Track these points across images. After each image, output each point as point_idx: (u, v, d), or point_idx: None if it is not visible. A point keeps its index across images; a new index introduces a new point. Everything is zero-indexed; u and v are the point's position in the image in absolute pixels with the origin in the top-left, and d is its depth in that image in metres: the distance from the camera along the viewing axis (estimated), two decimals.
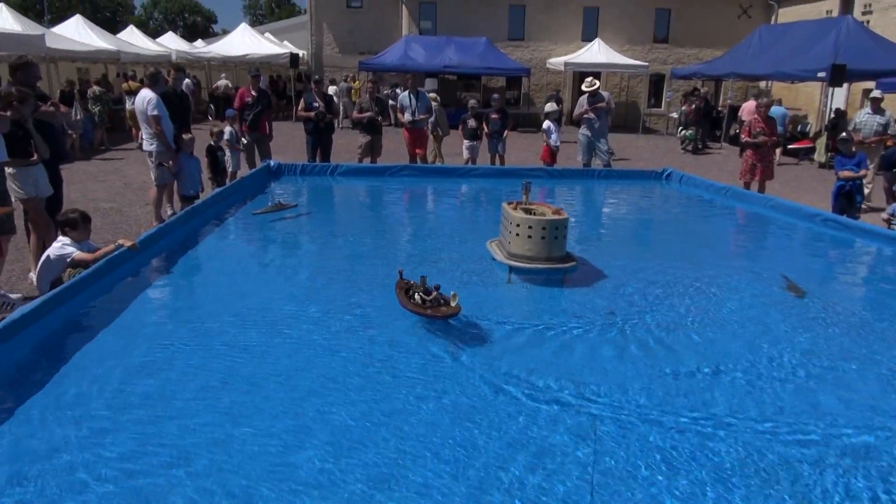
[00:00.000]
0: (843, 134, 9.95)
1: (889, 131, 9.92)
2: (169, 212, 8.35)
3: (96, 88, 15.94)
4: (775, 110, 19.99)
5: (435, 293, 3.70)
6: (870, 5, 21.05)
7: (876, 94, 10.19)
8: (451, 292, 3.65)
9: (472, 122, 12.12)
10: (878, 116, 10.01)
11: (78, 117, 14.22)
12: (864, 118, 10.19)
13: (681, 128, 19.73)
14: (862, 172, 8.73)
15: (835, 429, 2.81)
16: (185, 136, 8.12)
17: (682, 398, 3.01)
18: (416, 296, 3.76)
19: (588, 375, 3.20)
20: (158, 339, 3.49)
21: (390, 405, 2.89)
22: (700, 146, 19.17)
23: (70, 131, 6.72)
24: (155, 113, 7.60)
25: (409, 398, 2.95)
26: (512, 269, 4.51)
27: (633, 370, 3.28)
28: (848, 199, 8.80)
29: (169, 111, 7.90)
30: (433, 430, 2.69)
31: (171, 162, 7.91)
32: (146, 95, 7.70)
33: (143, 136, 7.96)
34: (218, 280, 4.66)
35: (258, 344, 3.49)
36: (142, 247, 4.76)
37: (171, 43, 25.97)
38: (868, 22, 20.33)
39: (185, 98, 9.11)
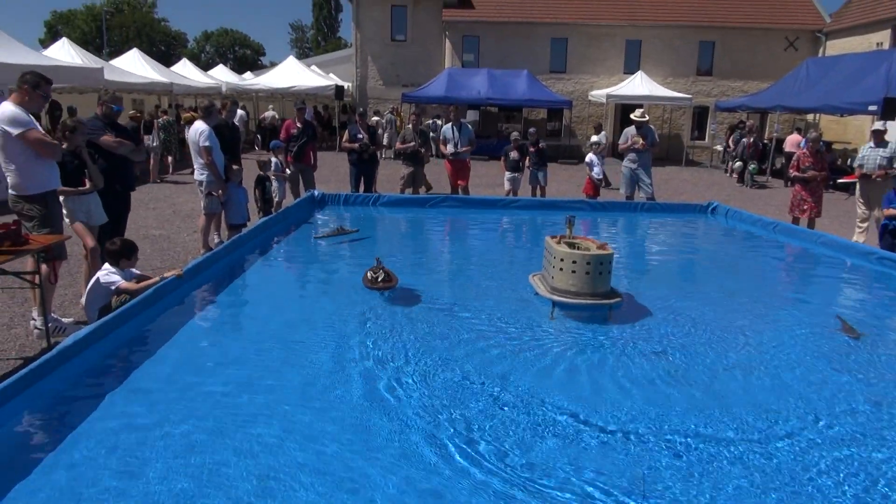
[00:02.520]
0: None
1: (895, 164, 9.47)
2: (216, 240, 8.50)
3: (165, 118, 16.61)
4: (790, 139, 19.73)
5: (378, 274, 4.73)
6: None
7: (878, 126, 9.82)
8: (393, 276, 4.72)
9: (514, 154, 12.15)
10: (882, 150, 9.60)
11: (154, 143, 15.09)
12: (867, 152, 9.82)
13: (737, 161, 19.43)
14: None
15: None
16: (233, 167, 8.28)
17: (731, 446, 2.90)
18: (369, 274, 4.79)
19: (633, 416, 3.12)
20: (203, 371, 3.51)
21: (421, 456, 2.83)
22: (752, 180, 18.89)
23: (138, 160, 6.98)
24: (206, 144, 7.79)
25: (448, 435, 2.92)
26: (555, 303, 4.46)
27: (681, 413, 3.17)
28: (894, 237, 8.33)
29: (220, 142, 8.08)
30: (478, 460, 2.68)
31: (220, 191, 8.06)
32: (199, 127, 7.93)
33: (195, 166, 8.15)
34: (261, 308, 4.68)
35: (302, 372, 3.49)
36: (188, 275, 4.81)
37: (222, 75, 26.80)
38: None
39: (235, 130, 9.31)
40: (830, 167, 10.06)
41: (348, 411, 3.11)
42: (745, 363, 3.84)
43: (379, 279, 4.84)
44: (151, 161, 15.19)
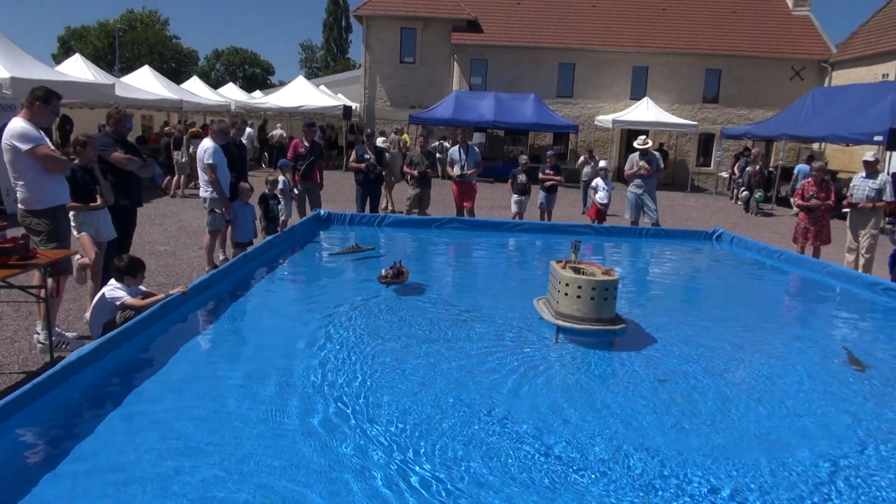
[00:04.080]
0: None
1: (884, 197, 9.43)
2: (221, 257, 8.48)
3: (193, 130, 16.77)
4: (802, 168, 19.70)
5: (391, 271, 5.47)
6: None
7: (868, 157, 9.76)
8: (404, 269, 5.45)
9: (522, 178, 12.15)
10: (871, 181, 9.57)
11: (184, 159, 15.27)
12: (857, 182, 9.80)
13: (744, 189, 19.44)
14: None
15: None
16: (242, 185, 8.26)
17: (734, 477, 2.85)
18: (383, 271, 5.50)
19: (636, 446, 3.06)
20: (204, 390, 3.47)
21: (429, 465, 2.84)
22: (758, 208, 18.90)
23: (145, 176, 7.09)
24: (210, 162, 7.79)
25: (447, 458, 2.90)
26: (559, 328, 4.43)
27: (683, 443, 3.12)
28: None
29: (227, 160, 8.10)
30: (479, 487, 2.65)
31: (224, 209, 8.02)
32: (205, 144, 7.94)
33: (200, 183, 8.15)
34: (265, 327, 4.66)
35: (306, 393, 3.45)
36: (193, 293, 4.80)
37: (231, 93, 27.04)
38: None
39: (242, 148, 9.31)
40: (836, 196, 10.03)
41: (325, 435, 3.04)
42: (750, 394, 3.79)
43: (389, 275, 5.47)
44: (177, 176, 15.35)
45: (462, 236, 8.78)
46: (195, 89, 23.59)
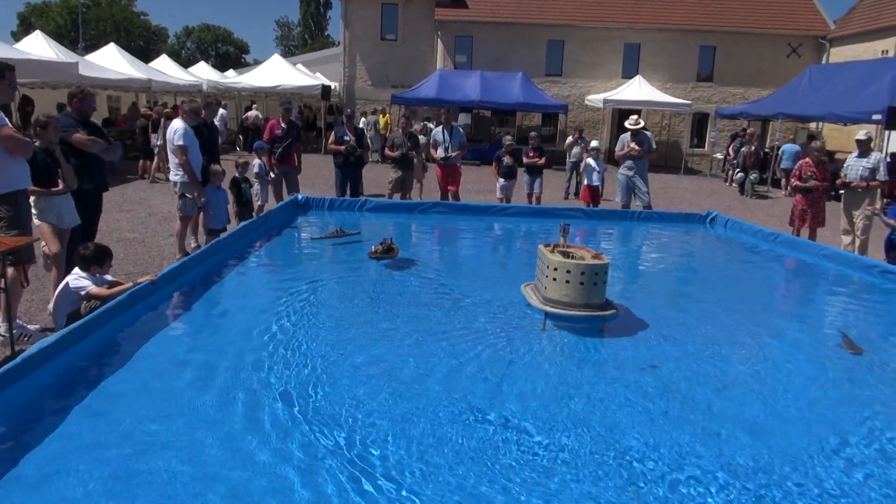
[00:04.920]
0: None
1: (877, 176, 9.24)
2: (193, 244, 8.32)
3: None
4: (788, 148, 19.28)
5: (381, 246, 5.64)
6: None
7: (861, 136, 9.56)
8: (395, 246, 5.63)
9: (507, 160, 11.54)
10: (864, 160, 9.36)
11: (160, 142, 14.71)
12: (851, 161, 9.66)
13: (739, 171, 18.95)
14: None
15: None
16: (213, 168, 8.04)
17: (726, 463, 2.78)
18: (373, 247, 5.70)
19: (626, 434, 2.99)
20: (173, 381, 3.33)
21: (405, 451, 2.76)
22: (753, 190, 18.35)
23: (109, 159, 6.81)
24: (181, 143, 7.55)
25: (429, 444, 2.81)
26: (547, 315, 4.33)
27: (675, 430, 3.05)
28: None
29: (198, 142, 7.87)
30: (452, 482, 2.53)
31: (196, 194, 7.79)
32: (175, 126, 7.71)
33: (171, 167, 7.98)
34: (239, 316, 4.46)
35: (278, 384, 3.33)
36: (162, 282, 4.66)
37: (203, 73, 26.05)
38: None
39: (214, 129, 9.01)
40: (832, 177, 9.68)
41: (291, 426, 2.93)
42: (742, 379, 3.76)
43: (378, 251, 5.61)
44: (155, 160, 14.98)
45: (446, 221, 8.59)
46: (164, 68, 22.59)
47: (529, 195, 12.04)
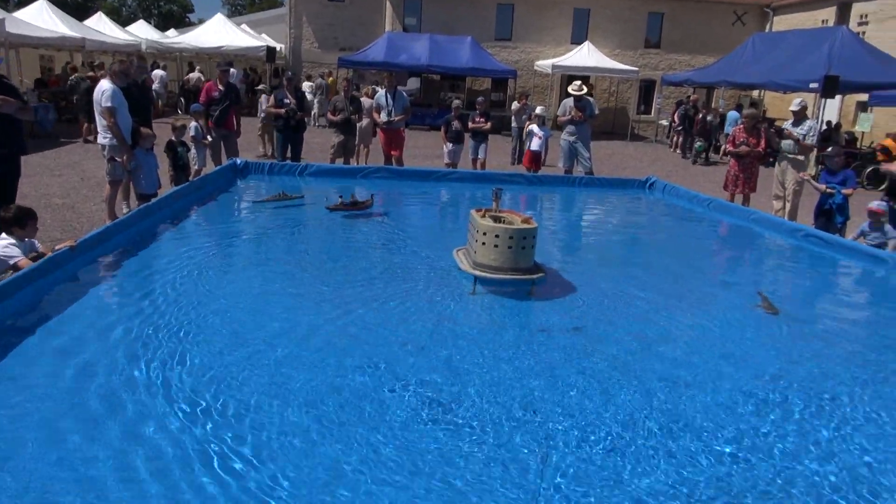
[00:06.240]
0: (830, 149, 9.52)
1: (807, 140, 9.53)
2: (125, 210, 7.96)
3: (76, 76, 15.38)
4: (731, 115, 19.73)
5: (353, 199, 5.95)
6: (866, 16, 20.63)
7: (794, 106, 9.80)
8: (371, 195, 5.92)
9: (455, 125, 11.46)
10: (798, 128, 9.62)
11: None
12: (787, 142, 9.90)
13: (697, 141, 19.16)
14: (848, 191, 8.23)
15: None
16: (143, 130, 7.77)
17: (642, 420, 2.84)
18: (339, 201, 5.97)
19: (546, 395, 3.00)
20: (92, 356, 3.13)
21: (328, 423, 2.67)
22: (699, 156, 18.67)
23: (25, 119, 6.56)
24: (109, 105, 7.32)
25: (351, 413, 2.75)
26: (477, 279, 4.36)
27: (594, 389, 3.09)
28: (827, 217, 8.30)
29: (129, 104, 7.65)
30: (371, 455, 2.46)
31: (125, 157, 7.53)
32: (102, 86, 7.47)
33: (98, 129, 7.72)
34: (165, 285, 4.25)
35: (202, 351, 3.22)
36: (84, 248, 4.48)
37: (141, 32, 24.98)
38: (864, 33, 19.89)
39: (146, 90, 8.92)
40: (766, 144, 9.93)
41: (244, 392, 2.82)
42: (664, 339, 3.82)
43: (341, 203, 5.76)
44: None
45: (389, 186, 8.48)
46: (100, 27, 21.57)
47: (474, 160, 11.99)
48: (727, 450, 2.62)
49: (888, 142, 15.93)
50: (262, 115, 13.79)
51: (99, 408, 2.64)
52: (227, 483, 2.23)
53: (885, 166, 8.55)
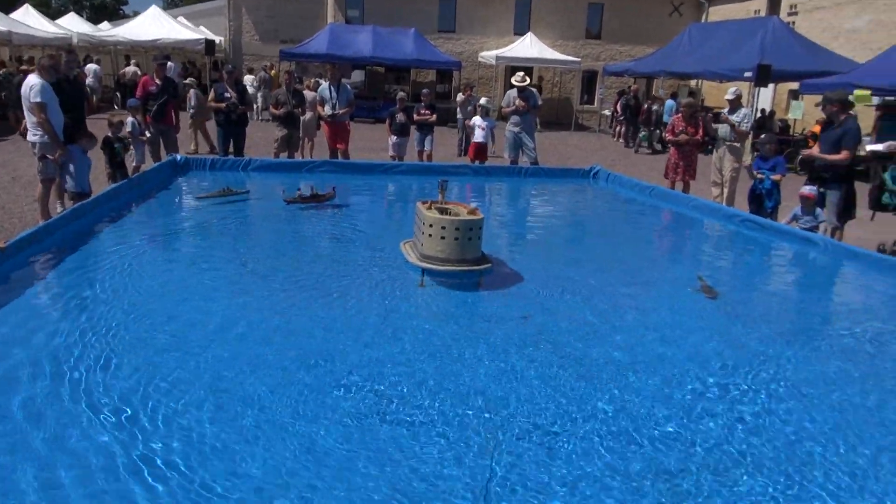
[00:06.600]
0: (763, 136, 9.89)
1: (742, 127, 9.88)
2: (59, 210, 7.73)
3: (4, 71, 14.95)
4: (669, 104, 20.29)
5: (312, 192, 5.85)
6: (795, 6, 21.37)
7: (729, 95, 10.16)
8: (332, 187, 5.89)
9: (400, 117, 11.43)
10: (734, 115, 9.96)
11: None
12: (721, 125, 10.29)
13: (642, 130, 19.61)
14: (776, 176, 8.55)
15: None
16: (88, 135, 7.64)
17: (588, 404, 2.88)
18: (297, 194, 5.93)
19: (493, 384, 3.01)
20: (13, 358, 2.99)
21: (274, 420, 2.60)
22: (641, 145, 19.10)
23: None
24: (38, 100, 7.13)
25: (293, 411, 2.68)
26: (425, 271, 4.36)
27: (540, 379, 3.09)
28: (759, 202, 8.62)
29: (60, 99, 7.43)
30: (307, 452, 2.40)
31: (57, 154, 7.32)
32: (30, 81, 7.29)
33: (28, 126, 7.48)
34: (99, 287, 4.08)
35: (132, 353, 3.10)
36: (14, 249, 4.27)
37: (72, 25, 24.07)
38: (793, 23, 20.61)
39: (78, 85, 8.64)
40: (704, 131, 10.27)
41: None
42: (607, 322, 3.90)
43: (299, 196, 5.69)
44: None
45: (335, 180, 8.20)
46: (28, 20, 20.67)
47: (420, 152, 11.97)
48: (668, 429, 2.69)
49: (818, 128, 16.57)
50: (192, 110, 13.56)
51: (19, 415, 2.52)
52: (155, 490, 2.14)
53: (805, 152, 8.89)
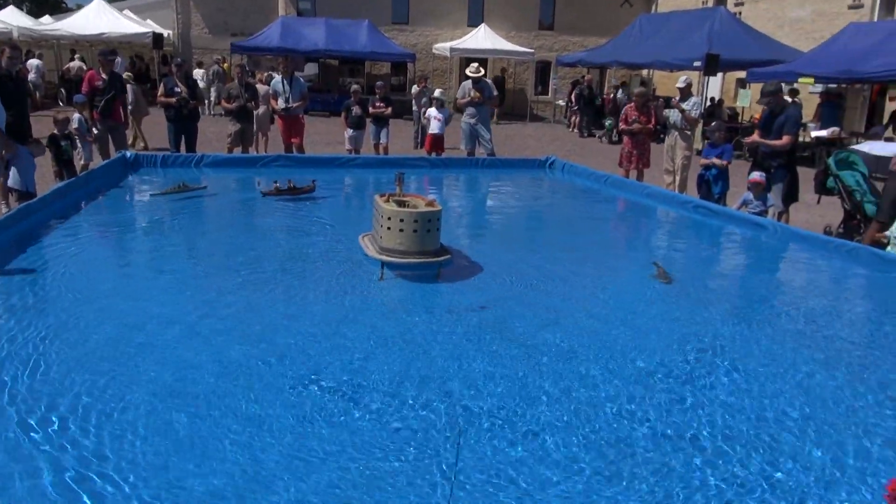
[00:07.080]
0: (713, 124, 10.15)
1: (692, 114, 10.09)
2: (3, 210, 7.41)
3: None
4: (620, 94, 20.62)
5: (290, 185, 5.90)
6: None
7: (679, 84, 10.35)
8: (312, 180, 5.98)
9: (356, 110, 11.34)
10: (684, 104, 10.14)
11: None
12: (670, 110, 10.49)
13: (608, 120, 19.71)
14: (721, 162, 8.77)
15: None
16: (36, 140, 7.52)
17: (545, 396, 2.88)
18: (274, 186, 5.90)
19: (454, 375, 3.03)
20: None
21: (236, 416, 2.59)
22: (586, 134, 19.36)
23: None
24: None
25: (254, 407, 2.65)
26: (384, 264, 4.36)
27: (501, 367, 3.13)
28: (708, 188, 8.84)
29: (2, 96, 7.06)
30: (277, 443, 2.41)
31: (2, 152, 7.02)
32: None
33: None
34: (43, 289, 3.96)
35: (68, 355, 3.01)
36: None
37: (12, 18, 23.07)
38: (740, 13, 21.11)
39: (21, 81, 8.25)
40: (655, 120, 10.48)
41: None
42: (564, 310, 3.96)
43: (276, 189, 5.72)
44: None
45: (290, 175, 8.09)
46: None
47: (376, 145, 11.91)
48: (625, 409, 2.75)
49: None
50: (130, 106, 13.17)
51: None
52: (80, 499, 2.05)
53: (747, 140, 9.17)
